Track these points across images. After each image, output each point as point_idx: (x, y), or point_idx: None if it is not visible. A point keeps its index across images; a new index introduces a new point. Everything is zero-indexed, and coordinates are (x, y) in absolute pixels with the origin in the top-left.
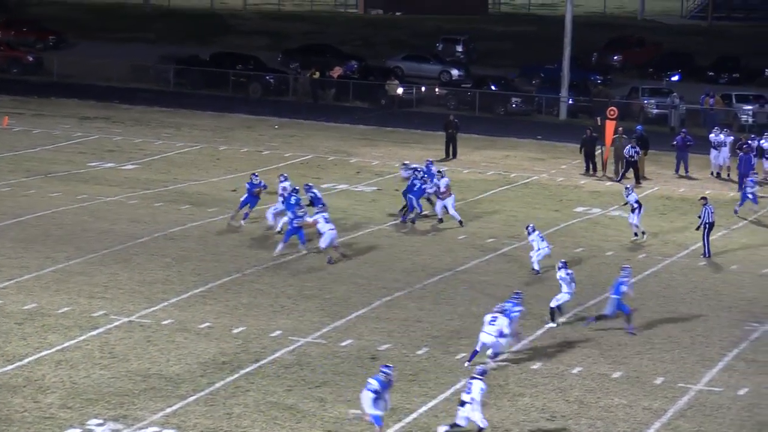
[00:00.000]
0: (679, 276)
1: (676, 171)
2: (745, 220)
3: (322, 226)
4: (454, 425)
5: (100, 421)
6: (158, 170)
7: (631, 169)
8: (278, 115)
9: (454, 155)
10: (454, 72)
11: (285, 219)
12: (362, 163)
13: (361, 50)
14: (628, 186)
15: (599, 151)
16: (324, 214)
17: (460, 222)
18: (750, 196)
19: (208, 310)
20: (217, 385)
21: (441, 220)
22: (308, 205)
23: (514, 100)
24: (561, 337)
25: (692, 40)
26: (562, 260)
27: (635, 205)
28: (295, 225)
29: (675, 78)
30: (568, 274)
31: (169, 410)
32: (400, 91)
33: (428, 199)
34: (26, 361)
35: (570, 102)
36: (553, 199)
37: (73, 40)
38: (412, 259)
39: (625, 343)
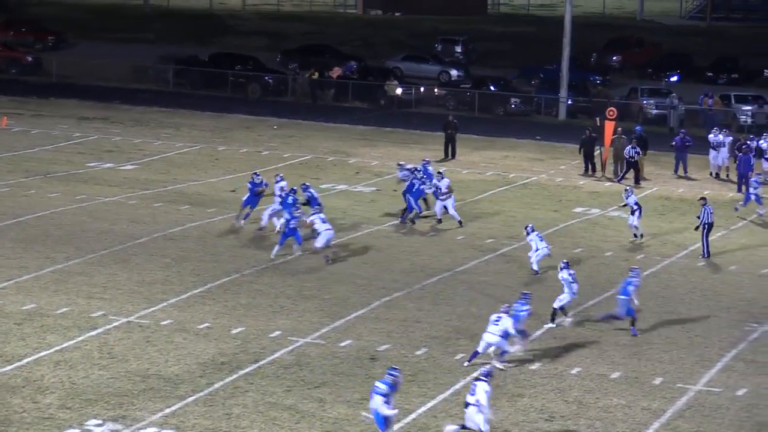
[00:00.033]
0: (678, 276)
1: (675, 171)
2: (745, 220)
3: (319, 226)
4: (463, 427)
5: (99, 422)
6: (157, 170)
7: (630, 170)
8: (277, 116)
9: (453, 156)
10: (453, 72)
11: (283, 220)
12: (361, 163)
13: (360, 51)
14: (628, 188)
15: (598, 151)
16: (320, 214)
17: (460, 222)
18: (753, 196)
19: (207, 311)
20: (216, 385)
21: (440, 221)
22: (304, 204)
23: (513, 100)
24: (560, 338)
25: (691, 41)
26: (564, 260)
27: (634, 207)
28: (292, 226)
29: (674, 78)
30: (570, 274)
31: (168, 411)
32: (399, 91)
33: (424, 200)
34: (25, 361)
35: (569, 102)
36: (552, 199)
37: (72, 40)
38: (411, 260)
39: (624, 344)
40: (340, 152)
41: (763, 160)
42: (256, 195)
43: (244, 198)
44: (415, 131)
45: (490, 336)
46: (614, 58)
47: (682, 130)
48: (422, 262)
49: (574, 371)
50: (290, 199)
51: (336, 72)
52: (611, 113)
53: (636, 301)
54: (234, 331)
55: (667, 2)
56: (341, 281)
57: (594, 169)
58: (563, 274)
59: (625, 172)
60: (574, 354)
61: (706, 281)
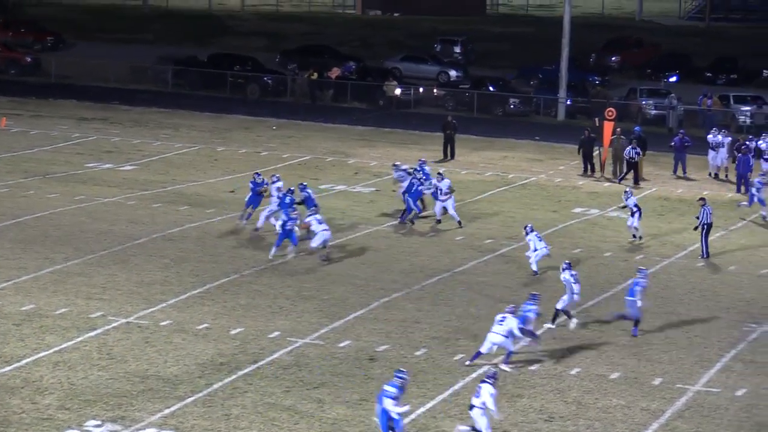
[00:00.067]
0: (678, 277)
1: (674, 172)
2: (744, 220)
3: (316, 227)
4: (473, 428)
5: (98, 422)
6: (156, 171)
7: (631, 170)
8: (276, 116)
9: (452, 156)
10: (452, 73)
11: (280, 221)
12: (360, 164)
13: (359, 51)
14: (628, 189)
15: (597, 152)
16: (317, 216)
17: (459, 223)
18: (756, 198)
19: (206, 311)
20: (215, 386)
21: (439, 221)
22: (299, 204)
23: (512, 101)
24: (559, 339)
25: (690, 41)
26: (567, 261)
27: (634, 209)
28: (288, 228)
29: (673, 79)
30: (572, 275)
31: (167, 411)
32: (398, 92)
33: (421, 200)
34: (24, 362)
35: (568, 103)
36: (551, 200)
37: (71, 41)
38: (410, 260)
39: (624, 344)
40: (339, 153)
41: (762, 160)
42: (258, 195)
43: (247, 198)
44: (414, 132)
45: (495, 336)
46: (613, 58)
47: (681, 131)
48: (421, 262)
49: (573, 372)
50: (287, 199)
51: (335, 72)
52: (610, 114)
53: (639, 302)
54: (233, 332)
55: (666, 3)
56: (340, 282)
57: (593, 170)
58: (565, 275)
59: (626, 173)
60: (573, 354)
61: (706, 282)
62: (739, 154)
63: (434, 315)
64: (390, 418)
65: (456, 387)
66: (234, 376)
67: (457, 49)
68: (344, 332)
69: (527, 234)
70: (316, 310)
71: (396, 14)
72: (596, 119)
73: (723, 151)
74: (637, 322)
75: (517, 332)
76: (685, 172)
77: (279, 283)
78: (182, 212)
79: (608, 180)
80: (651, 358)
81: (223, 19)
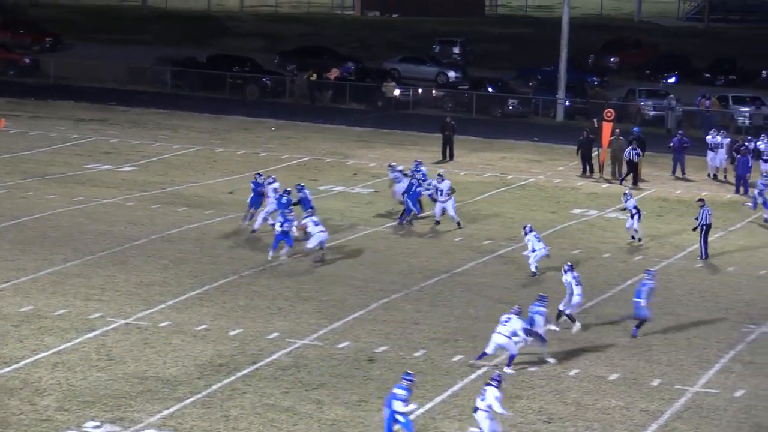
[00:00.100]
0: (676, 278)
1: (673, 173)
2: (743, 221)
3: (312, 229)
4: None
5: (97, 424)
6: (155, 172)
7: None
8: (275, 117)
9: (451, 157)
10: (451, 74)
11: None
12: (359, 165)
13: (357, 52)
14: (627, 191)
15: (596, 152)
16: (313, 217)
17: (458, 224)
18: (760, 199)
19: (205, 312)
20: (214, 387)
21: (438, 223)
22: (295, 204)
23: (510, 102)
24: (558, 340)
25: (689, 42)
26: (569, 263)
27: (633, 211)
28: (285, 229)
29: (671, 80)
30: (574, 277)
31: (166, 412)
32: (396, 93)
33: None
34: (23, 363)
35: (567, 104)
36: (550, 200)
37: (69, 42)
38: (409, 261)
39: (622, 345)
40: (337, 154)
41: (761, 161)
42: (260, 195)
43: (249, 198)
44: (412, 133)
45: (498, 337)
46: (612, 59)
47: (680, 132)
48: (420, 263)
49: (572, 373)
50: (284, 200)
51: (334, 73)
52: (609, 114)
53: (643, 303)
54: (232, 333)
55: (664, 3)
56: (339, 283)
57: (592, 171)
58: (567, 277)
59: (627, 174)
60: (572, 355)
61: (704, 283)
62: (739, 156)
63: (433, 316)
64: (396, 421)
65: (455, 388)
66: (233, 377)
67: (456, 50)
68: (343, 333)
69: (526, 234)
70: (315, 311)
71: (395, 15)
72: (595, 120)
73: (722, 152)
74: (640, 324)
75: (521, 333)
76: (683, 173)
77: (278, 285)
78: (181, 213)
79: (607, 181)
80: (650, 359)
81: (222, 20)
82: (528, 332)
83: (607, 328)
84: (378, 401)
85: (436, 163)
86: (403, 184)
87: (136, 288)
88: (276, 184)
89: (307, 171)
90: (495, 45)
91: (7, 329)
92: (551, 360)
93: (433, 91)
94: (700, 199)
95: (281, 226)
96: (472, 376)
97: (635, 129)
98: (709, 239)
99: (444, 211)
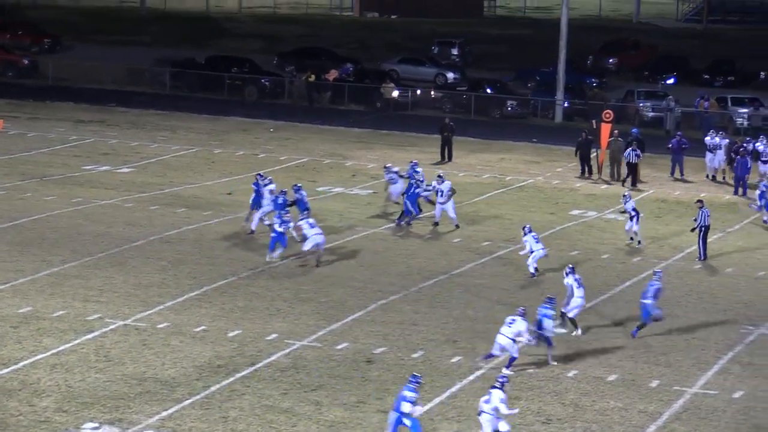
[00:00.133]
0: (675, 279)
1: (672, 174)
2: (742, 222)
3: (307, 231)
4: None
5: (96, 425)
6: (154, 173)
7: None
8: (274, 118)
9: (450, 158)
10: (450, 75)
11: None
12: (358, 166)
13: (356, 53)
14: (626, 193)
15: (595, 154)
16: (309, 219)
17: (456, 225)
18: (762, 202)
19: (204, 314)
20: (213, 388)
21: (436, 224)
22: (290, 205)
23: (509, 103)
24: (556, 341)
25: (687, 43)
26: (570, 266)
27: (632, 213)
28: (281, 230)
29: (670, 81)
30: (576, 279)
31: (164, 414)
32: (395, 94)
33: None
34: (21, 364)
35: (565, 105)
36: (548, 202)
37: (68, 43)
38: (408, 263)
39: (621, 346)
40: (336, 155)
41: (760, 162)
42: (261, 196)
43: (251, 199)
44: (411, 134)
45: (502, 338)
46: (610, 60)
47: (679, 133)
48: (418, 264)
49: (570, 374)
50: (280, 200)
51: (332, 74)
52: (607, 116)
53: (649, 303)
54: (230, 334)
55: (663, 5)
56: (338, 284)
57: (590, 172)
58: (569, 280)
59: (628, 175)
60: (570, 356)
61: (703, 284)
62: (738, 157)
63: (432, 317)
64: (402, 424)
65: (453, 389)
66: (232, 379)
67: (455, 51)
68: (342, 334)
69: (525, 234)
70: (314, 312)
71: (393, 16)
72: (593, 121)
73: (720, 153)
74: (642, 325)
75: (526, 335)
76: (682, 174)
77: (276, 286)
78: (179, 214)
79: (606, 182)
80: (648, 360)
81: (221, 21)
82: (537, 336)
83: (606, 330)
84: (377, 402)
85: (435, 164)
86: (399, 186)
87: (135, 289)
88: (272, 186)
89: (306, 172)
90: (494, 46)
91: (6, 330)
92: (553, 363)
93: (432, 92)
94: (699, 201)
95: (280, 227)
96: (471, 378)
97: (634, 130)
98: (708, 240)
99: (444, 213)
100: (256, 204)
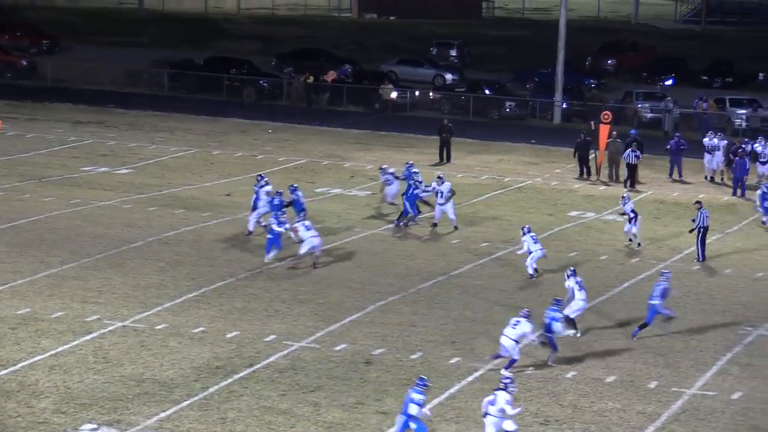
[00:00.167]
0: (673, 280)
1: (670, 175)
2: (740, 223)
3: (303, 234)
4: None
5: (94, 426)
6: (152, 174)
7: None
8: (272, 120)
9: (448, 159)
10: (448, 76)
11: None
12: (356, 167)
13: (355, 54)
14: (625, 195)
15: (593, 155)
16: (305, 222)
17: (456, 227)
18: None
19: (202, 315)
20: (211, 389)
21: (435, 225)
22: (286, 206)
23: (508, 104)
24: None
25: (686, 45)
26: (571, 268)
27: (631, 215)
28: (277, 231)
29: (669, 82)
30: (577, 282)
31: (162, 415)
32: (394, 95)
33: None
34: (20, 365)
35: (564, 106)
36: (547, 203)
37: (66, 44)
38: (406, 264)
39: (620, 348)
40: (335, 156)
41: (758, 163)
42: None
43: (253, 200)
44: (410, 135)
45: (505, 339)
46: (609, 61)
47: (677, 134)
48: (417, 265)
49: (569, 375)
50: (276, 201)
51: (331, 76)
52: (606, 117)
53: (656, 303)
54: (229, 336)
55: (661, 6)
56: (336, 285)
57: (589, 173)
58: (570, 282)
59: (629, 177)
60: (568, 358)
61: (701, 285)
62: (736, 158)
63: (430, 318)
64: (409, 427)
65: (452, 390)
66: (230, 380)
67: (453, 53)
68: (340, 336)
69: (523, 234)
70: (312, 313)
71: (392, 17)
72: (592, 122)
73: (719, 155)
74: (644, 325)
75: (531, 336)
76: (680, 176)
77: (275, 287)
78: (178, 216)
79: (604, 183)
80: (647, 361)
81: (219, 22)
82: (546, 339)
83: (604, 331)
84: (375, 403)
85: (434, 165)
86: (394, 187)
87: (133, 290)
88: (268, 187)
89: (304, 173)
90: (492, 47)
91: (4, 332)
92: (553, 365)
93: (431, 94)
94: (698, 202)
95: (271, 231)
96: (469, 379)
97: (632, 131)
98: (707, 241)
99: (443, 214)
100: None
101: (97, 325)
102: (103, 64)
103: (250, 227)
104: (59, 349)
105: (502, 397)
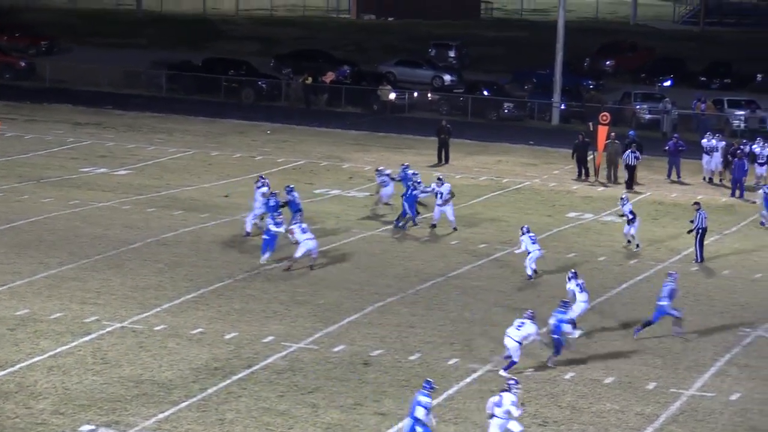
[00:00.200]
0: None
1: (668, 176)
2: (739, 224)
3: (299, 236)
4: None
5: (93, 427)
6: (151, 176)
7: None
8: (271, 121)
9: (447, 160)
10: (447, 77)
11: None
12: (355, 168)
13: (353, 55)
14: (624, 196)
15: (592, 156)
16: (301, 224)
17: (455, 228)
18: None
19: (201, 316)
20: (210, 390)
21: (434, 226)
22: (282, 206)
23: (506, 105)
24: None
25: (684, 46)
26: (573, 270)
27: (630, 216)
28: (274, 231)
29: (667, 83)
30: (578, 284)
31: (161, 416)
32: (392, 96)
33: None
34: (18, 366)
35: (562, 107)
36: (545, 204)
37: (65, 45)
38: (405, 265)
39: (618, 349)
40: (333, 157)
41: (756, 165)
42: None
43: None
44: (408, 136)
45: (509, 341)
46: (607, 62)
47: (675, 135)
48: (416, 267)
49: (567, 376)
50: (272, 202)
51: (329, 77)
52: (604, 118)
53: (664, 303)
54: (227, 337)
55: (660, 7)
56: (334, 286)
57: (587, 174)
58: (571, 285)
59: (629, 178)
60: (567, 359)
61: (700, 286)
62: (735, 159)
63: (429, 319)
64: (416, 430)
65: (450, 392)
66: (228, 381)
67: (452, 54)
68: (338, 337)
69: (522, 234)
70: (311, 314)
71: (390, 18)
72: (590, 123)
73: (717, 156)
74: (647, 324)
75: (536, 337)
76: (679, 177)
77: (273, 288)
78: (176, 217)
79: (602, 184)
80: (645, 362)
81: (217, 23)
82: (553, 341)
83: (603, 332)
84: (373, 404)
85: (432, 166)
86: (390, 189)
87: (132, 291)
88: (264, 189)
89: (303, 174)
90: (490, 48)
91: (3, 333)
92: (551, 365)
93: (429, 95)
94: (696, 203)
95: (267, 233)
96: (468, 380)
97: (631, 132)
98: (705, 243)
99: (443, 215)
100: None
101: (96, 326)
102: (101, 65)
103: (248, 228)
104: (58, 350)
105: (508, 398)
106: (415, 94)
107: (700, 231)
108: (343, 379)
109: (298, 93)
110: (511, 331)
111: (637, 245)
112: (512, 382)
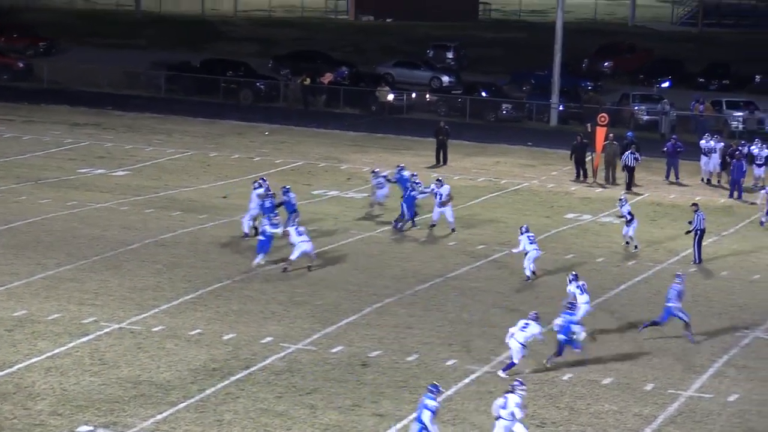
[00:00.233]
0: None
1: (667, 177)
2: (737, 225)
3: (294, 238)
4: None
5: (91, 428)
6: (149, 176)
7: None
8: (269, 122)
9: (445, 162)
10: (445, 78)
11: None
12: (353, 169)
13: (351, 56)
14: (622, 197)
15: (590, 157)
16: (298, 227)
17: (453, 229)
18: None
19: (199, 317)
20: (208, 391)
21: (433, 226)
22: (278, 207)
23: (504, 106)
24: (551, 344)
25: (683, 47)
26: (573, 273)
27: (628, 217)
28: (268, 234)
29: (665, 84)
30: (578, 286)
31: (159, 417)
32: (390, 97)
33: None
34: (16, 368)
35: (560, 108)
36: (543, 205)
37: (63, 46)
38: (403, 266)
39: (616, 350)
40: (331, 158)
41: (754, 166)
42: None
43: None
44: (406, 137)
45: (514, 342)
46: (606, 64)
47: (674, 136)
48: (414, 268)
49: (565, 377)
50: (268, 203)
51: (327, 78)
52: (602, 119)
53: (671, 305)
54: (225, 338)
55: (658, 8)
56: (332, 287)
57: (585, 175)
58: (571, 287)
59: (629, 179)
60: (565, 360)
61: (698, 287)
62: (733, 160)
63: (427, 320)
64: None
65: (449, 393)
66: (226, 382)
67: (450, 55)
68: (337, 338)
69: (521, 234)
70: (309, 315)
71: (389, 20)
72: (589, 125)
73: (715, 157)
74: (653, 324)
75: (540, 337)
76: (677, 178)
77: (271, 289)
78: (175, 218)
79: (601, 186)
80: (643, 363)
81: (216, 24)
82: (560, 345)
83: (601, 333)
84: (372, 406)
85: (430, 167)
86: (385, 190)
87: (130, 292)
88: (260, 190)
89: (301, 175)
90: (489, 49)
91: (1, 334)
92: (548, 365)
93: (427, 96)
94: (694, 204)
95: (264, 233)
96: (466, 381)
97: (629, 134)
98: (703, 244)
99: (442, 216)
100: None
101: (94, 327)
102: (100, 66)
103: (245, 229)
104: (56, 351)
105: (513, 399)
106: (414, 95)
107: (699, 232)
108: (341, 380)
109: (296, 94)
110: (516, 332)
111: (636, 246)
112: (517, 383)
